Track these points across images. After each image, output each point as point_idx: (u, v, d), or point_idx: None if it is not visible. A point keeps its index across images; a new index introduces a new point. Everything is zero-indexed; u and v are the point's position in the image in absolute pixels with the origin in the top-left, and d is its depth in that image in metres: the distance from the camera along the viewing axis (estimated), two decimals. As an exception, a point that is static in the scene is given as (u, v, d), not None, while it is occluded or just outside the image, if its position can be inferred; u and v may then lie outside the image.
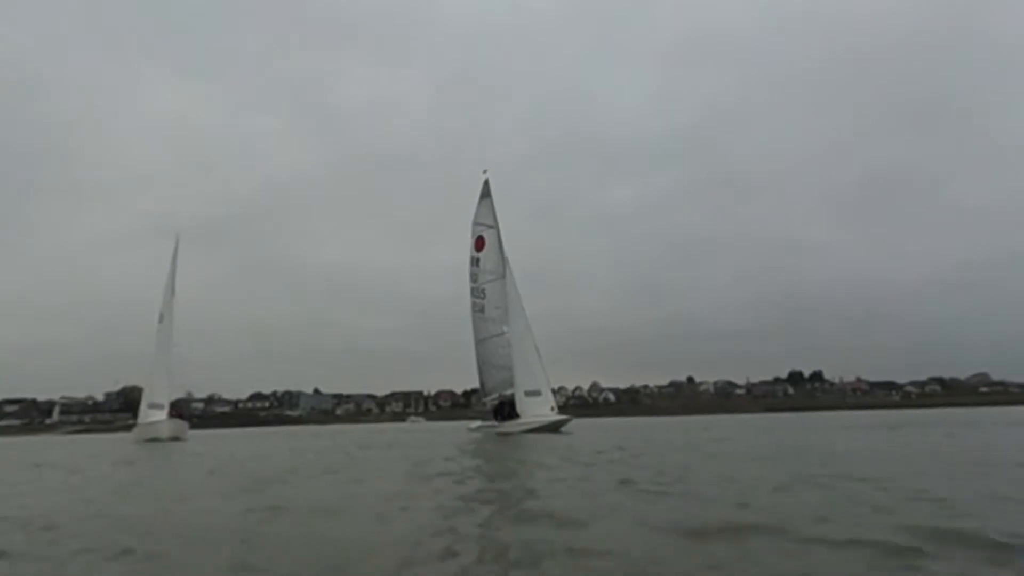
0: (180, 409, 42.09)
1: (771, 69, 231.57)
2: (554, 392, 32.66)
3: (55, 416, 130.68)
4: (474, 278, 33.79)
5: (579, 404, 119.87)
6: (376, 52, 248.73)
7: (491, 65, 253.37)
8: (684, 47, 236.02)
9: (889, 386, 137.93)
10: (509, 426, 29.18)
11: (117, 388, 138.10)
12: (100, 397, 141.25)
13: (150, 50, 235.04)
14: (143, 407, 39.22)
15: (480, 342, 33.47)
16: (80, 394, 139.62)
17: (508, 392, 31.33)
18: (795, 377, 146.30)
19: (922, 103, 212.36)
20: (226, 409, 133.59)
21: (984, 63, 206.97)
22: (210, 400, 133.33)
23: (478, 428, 32.10)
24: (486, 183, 34.26)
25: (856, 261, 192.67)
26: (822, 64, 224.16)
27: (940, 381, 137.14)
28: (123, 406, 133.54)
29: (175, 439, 34.57)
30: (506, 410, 30.96)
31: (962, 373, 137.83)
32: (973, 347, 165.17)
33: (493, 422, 31.36)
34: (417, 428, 56.64)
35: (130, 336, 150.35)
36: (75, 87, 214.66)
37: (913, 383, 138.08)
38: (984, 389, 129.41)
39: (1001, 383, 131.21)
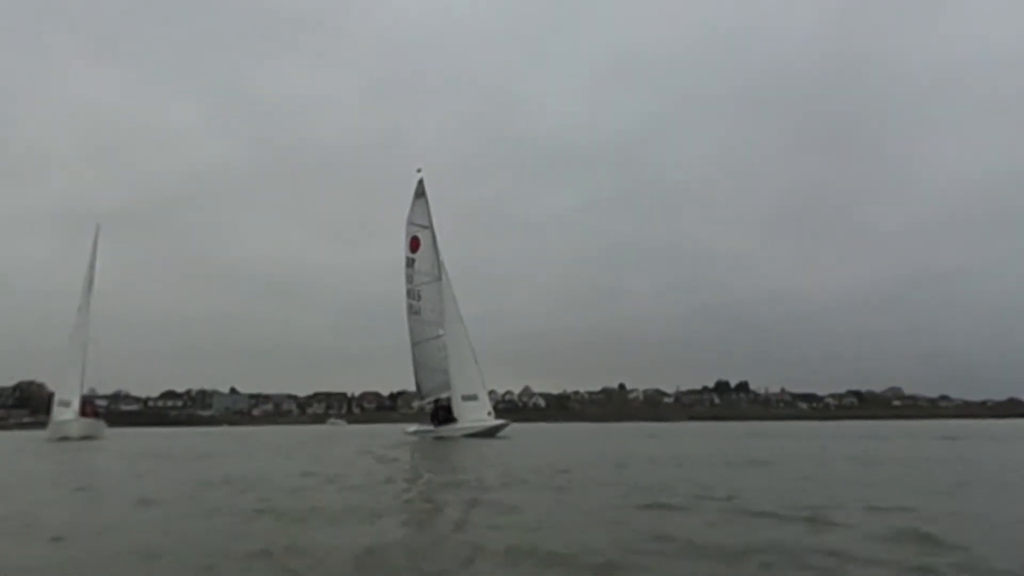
0: (94, 407, 41.07)
1: (696, 88, 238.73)
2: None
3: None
4: (409, 279, 33.06)
5: (509, 408, 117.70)
6: (302, 50, 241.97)
7: (421, 69, 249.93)
8: (613, 63, 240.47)
9: (810, 398, 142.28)
10: (447, 430, 29.16)
11: (12, 383, 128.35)
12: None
13: (63, 33, 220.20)
14: (56, 404, 38.07)
15: (416, 344, 32.78)
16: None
17: (444, 395, 30.90)
18: (722, 387, 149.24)
19: (835, 127, 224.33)
20: (134, 407, 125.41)
21: (890, 92, 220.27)
22: (116, 397, 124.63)
23: (415, 432, 31.07)
24: (420, 182, 33.38)
25: (780, 275, 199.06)
26: (744, 85, 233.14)
27: (857, 394, 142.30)
28: (18, 402, 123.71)
29: (87, 438, 33.84)
30: (442, 415, 30.53)
31: (878, 387, 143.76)
32: (888, 362, 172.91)
33: (429, 426, 30.75)
34: (338, 431, 53.73)
35: (29, 329, 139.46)
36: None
37: (832, 395, 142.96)
38: (897, 403, 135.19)
39: (912, 397, 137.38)
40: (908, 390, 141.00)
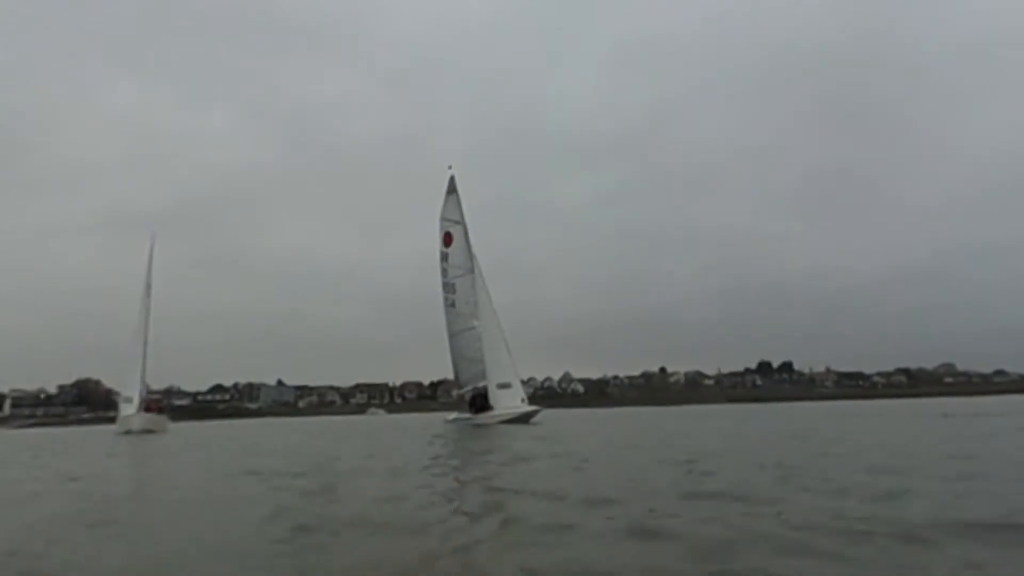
0: (159, 404, 44.21)
1: (713, 68, 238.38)
2: (523, 383, 34.31)
3: (6, 409, 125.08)
4: (444, 273, 34.53)
5: (547, 395, 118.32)
6: (325, 52, 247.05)
7: (439, 65, 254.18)
8: (628, 48, 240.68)
9: (857, 376, 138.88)
10: (484, 418, 30.62)
11: (71, 381, 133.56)
12: (52, 390, 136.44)
13: (98, 45, 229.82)
14: (121, 401, 41.29)
15: (453, 336, 34.44)
16: (30, 386, 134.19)
17: (481, 384, 32.45)
18: (764, 367, 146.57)
19: (859, 101, 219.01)
20: (184, 402, 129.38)
21: (915, 64, 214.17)
22: (168, 392, 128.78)
23: (454, 420, 32.75)
24: (452, 179, 34.68)
25: (817, 253, 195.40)
26: (762, 63, 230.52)
27: (906, 372, 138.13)
28: (77, 399, 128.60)
29: (148, 432, 35.58)
30: (479, 402, 32.08)
31: (929, 363, 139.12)
32: (940, 338, 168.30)
33: (468, 414, 32.32)
34: (378, 420, 54.97)
35: (83, 328, 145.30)
36: (21, 81, 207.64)
37: (880, 373, 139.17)
38: (949, 379, 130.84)
39: (965, 374, 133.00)
40: (962, 366, 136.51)
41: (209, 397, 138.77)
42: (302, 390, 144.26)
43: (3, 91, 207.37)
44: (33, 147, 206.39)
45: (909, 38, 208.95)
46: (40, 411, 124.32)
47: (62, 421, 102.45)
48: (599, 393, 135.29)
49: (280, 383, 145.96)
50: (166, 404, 54.11)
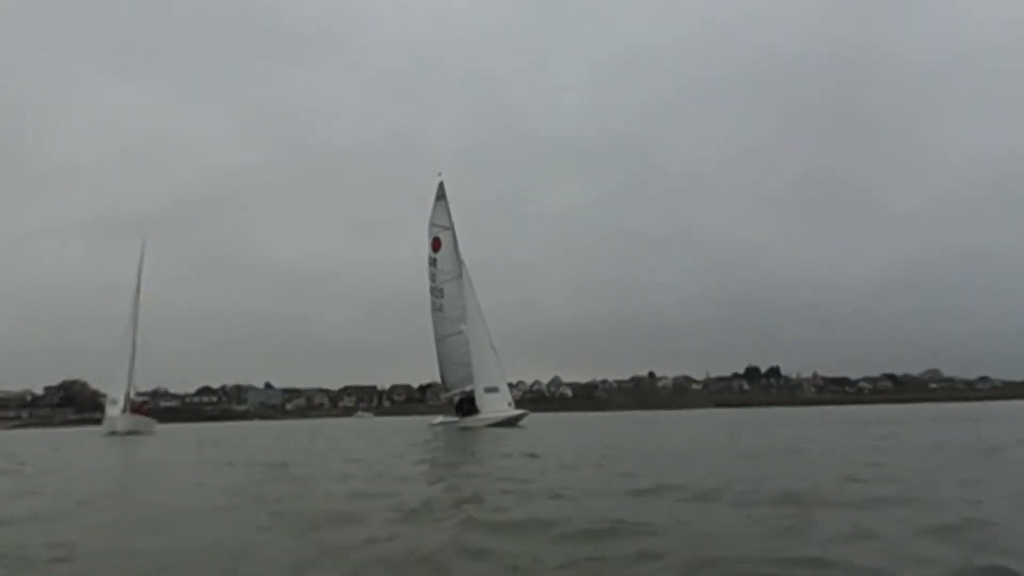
0: (146, 405, 44.65)
1: (701, 77, 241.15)
2: (511, 387, 34.44)
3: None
4: (432, 278, 34.82)
5: (535, 398, 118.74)
6: (319, 58, 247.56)
7: (431, 71, 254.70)
8: (622, 53, 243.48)
9: (843, 382, 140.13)
10: (471, 421, 30.82)
11: (57, 382, 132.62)
12: (38, 391, 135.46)
13: (94, 47, 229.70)
14: (107, 403, 41.52)
15: (440, 340, 34.57)
16: (15, 388, 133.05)
17: (468, 388, 32.59)
18: (752, 373, 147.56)
19: (843, 113, 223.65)
20: (172, 404, 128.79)
21: (896, 75, 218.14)
22: (156, 394, 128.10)
23: (440, 424, 32.85)
24: (441, 185, 35.02)
25: (807, 259, 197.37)
26: (748, 73, 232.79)
27: (892, 377, 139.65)
28: (63, 401, 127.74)
29: (133, 433, 35.66)
30: (466, 406, 32.23)
31: (916, 369, 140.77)
32: (927, 344, 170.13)
33: (454, 417, 32.55)
34: (365, 424, 55.15)
35: (72, 329, 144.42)
36: (16, 81, 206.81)
37: (866, 379, 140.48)
38: (933, 386, 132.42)
39: (950, 379, 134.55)
40: (947, 372, 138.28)
41: (197, 399, 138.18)
42: (290, 393, 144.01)
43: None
44: (28, 148, 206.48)
45: (891, 49, 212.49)
46: (26, 413, 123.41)
47: (48, 423, 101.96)
48: (587, 397, 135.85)
49: (268, 386, 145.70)
50: (153, 406, 54.12)
